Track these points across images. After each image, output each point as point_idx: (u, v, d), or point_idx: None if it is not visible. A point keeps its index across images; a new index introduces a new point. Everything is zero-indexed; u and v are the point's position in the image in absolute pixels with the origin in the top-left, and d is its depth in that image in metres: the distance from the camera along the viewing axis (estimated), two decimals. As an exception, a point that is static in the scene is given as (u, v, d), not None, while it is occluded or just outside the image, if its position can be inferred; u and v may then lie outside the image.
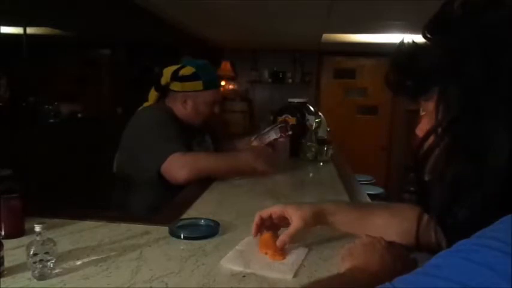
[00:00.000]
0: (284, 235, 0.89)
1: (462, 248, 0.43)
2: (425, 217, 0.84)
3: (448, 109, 0.54)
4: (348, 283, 0.69)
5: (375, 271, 0.71)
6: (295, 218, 0.88)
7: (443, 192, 0.53)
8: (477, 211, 0.49)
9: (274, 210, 0.92)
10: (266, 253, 0.88)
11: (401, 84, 0.62)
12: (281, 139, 1.90)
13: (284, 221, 0.92)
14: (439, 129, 0.55)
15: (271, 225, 0.94)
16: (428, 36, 0.58)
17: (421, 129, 0.63)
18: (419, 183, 0.60)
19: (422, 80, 0.58)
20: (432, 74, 0.56)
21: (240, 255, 0.88)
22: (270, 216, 0.93)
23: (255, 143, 1.91)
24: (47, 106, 2.51)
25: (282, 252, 0.87)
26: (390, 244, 0.81)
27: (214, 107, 1.75)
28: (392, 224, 0.89)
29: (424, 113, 0.63)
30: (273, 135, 1.89)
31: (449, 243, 0.46)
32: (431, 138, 0.56)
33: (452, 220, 0.52)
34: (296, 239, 0.94)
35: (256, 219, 0.92)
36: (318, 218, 0.90)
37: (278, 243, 0.87)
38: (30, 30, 2.38)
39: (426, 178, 0.58)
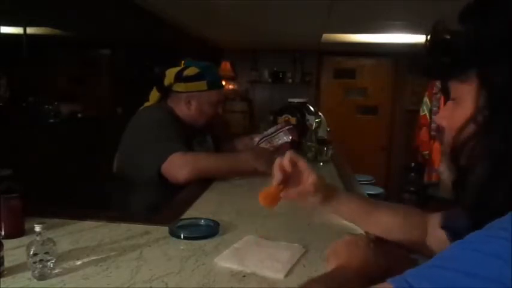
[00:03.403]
0: (293, 191, 0.90)
1: (472, 240, 0.44)
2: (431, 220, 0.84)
3: (491, 97, 0.51)
4: (335, 282, 0.70)
5: (358, 267, 0.73)
6: (311, 183, 0.89)
7: (480, 178, 0.52)
8: None
9: (301, 163, 0.91)
10: (264, 200, 0.90)
11: (436, 61, 0.58)
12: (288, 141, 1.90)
13: (296, 179, 0.91)
14: (479, 118, 0.53)
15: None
16: (467, 19, 0.55)
17: (444, 116, 0.61)
18: (456, 170, 0.57)
19: (463, 59, 0.55)
20: (474, 53, 0.53)
21: (235, 253, 0.88)
22: (294, 164, 0.90)
23: (263, 145, 1.90)
24: (47, 106, 2.51)
25: (276, 202, 0.91)
26: (375, 241, 0.82)
27: (217, 107, 1.75)
28: (396, 224, 0.89)
29: (453, 98, 0.60)
30: (283, 138, 1.89)
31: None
32: (470, 127, 0.54)
33: (486, 208, 0.51)
34: (293, 239, 0.94)
35: (288, 157, 0.90)
36: (326, 199, 0.92)
37: (284, 194, 0.89)
38: (30, 30, 2.38)
39: (462, 163, 0.56)
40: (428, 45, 0.59)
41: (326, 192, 0.92)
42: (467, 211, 0.54)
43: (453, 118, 0.59)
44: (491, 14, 0.52)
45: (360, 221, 0.95)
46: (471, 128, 0.54)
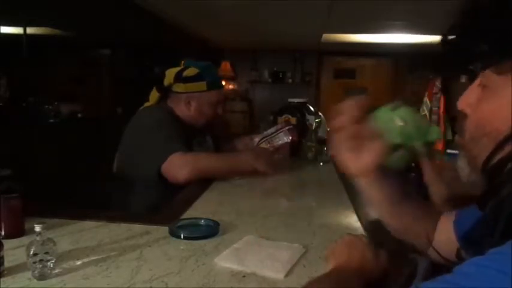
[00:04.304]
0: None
1: (496, 257, 0.40)
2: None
3: None
4: (335, 282, 0.70)
5: (357, 268, 0.73)
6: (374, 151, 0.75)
7: None
8: None
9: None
10: None
11: (472, 48, 0.49)
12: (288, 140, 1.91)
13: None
14: None
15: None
16: None
17: (470, 104, 0.53)
18: (487, 184, 0.51)
19: (503, 45, 0.45)
20: None
21: (235, 253, 0.88)
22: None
23: (263, 145, 1.91)
24: (47, 106, 2.51)
25: None
26: (374, 242, 0.82)
27: (217, 108, 1.75)
28: (416, 222, 0.83)
29: (482, 84, 0.52)
30: (283, 139, 1.89)
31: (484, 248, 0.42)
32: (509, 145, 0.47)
33: None
34: (293, 239, 0.94)
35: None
36: (376, 172, 0.78)
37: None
38: (30, 30, 2.38)
39: (497, 180, 0.49)
40: (460, 28, 0.50)
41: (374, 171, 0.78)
42: (495, 223, 0.48)
43: (481, 111, 0.52)
44: None
45: (386, 209, 0.83)
46: (510, 147, 0.47)
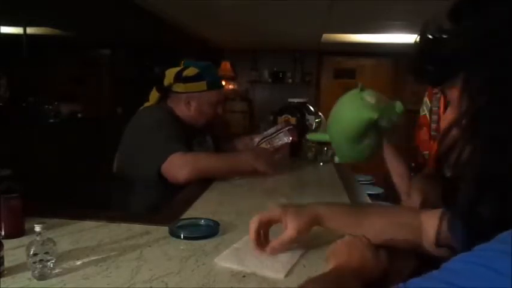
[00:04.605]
0: (276, 243, 0.88)
1: (482, 254, 0.41)
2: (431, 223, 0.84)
3: (472, 99, 0.51)
4: (333, 282, 0.70)
5: (356, 267, 0.73)
6: (291, 228, 0.87)
7: (468, 187, 0.50)
8: (506, 207, 0.46)
9: (274, 215, 0.90)
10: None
11: (424, 69, 0.58)
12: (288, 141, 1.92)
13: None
14: (463, 121, 0.52)
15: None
16: (454, 19, 0.55)
17: (445, 119, 0.60)
18: (443, 179, 0.57)
19: (445, 66, 0.55)
20: (456, 59, 0.53)
21: (235, 253, 0.88)
22: (269, 220, 0.92)
23: (263, 146, 1.91)
24: (47, 106, 2.51)
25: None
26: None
27: (217, 108, 1.75)
28: (387, 226, 0.89)
29: (449, 102, 0.60)
30: (283, 139, 1.90)
31: (472, 245, 0.43)
32: (454, 130, 0.53)
33: (479, 218, 0.48)
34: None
35: (255, 225, 0.89)
36: (313, 225, 0.90)
37: (269, 250, 0.87)
38: (30, 30, 2.38)
39: (448, 174, 0.54)
40: (415, 51, 0.60)
41: (312, 225, 0.90)
42: (460, 220, 0.53)
43: (446, 121, 0.58)
44: (476, 14, 0.52)
45: (351, 230, 0.91)
46: (455, 135, 0.53)
